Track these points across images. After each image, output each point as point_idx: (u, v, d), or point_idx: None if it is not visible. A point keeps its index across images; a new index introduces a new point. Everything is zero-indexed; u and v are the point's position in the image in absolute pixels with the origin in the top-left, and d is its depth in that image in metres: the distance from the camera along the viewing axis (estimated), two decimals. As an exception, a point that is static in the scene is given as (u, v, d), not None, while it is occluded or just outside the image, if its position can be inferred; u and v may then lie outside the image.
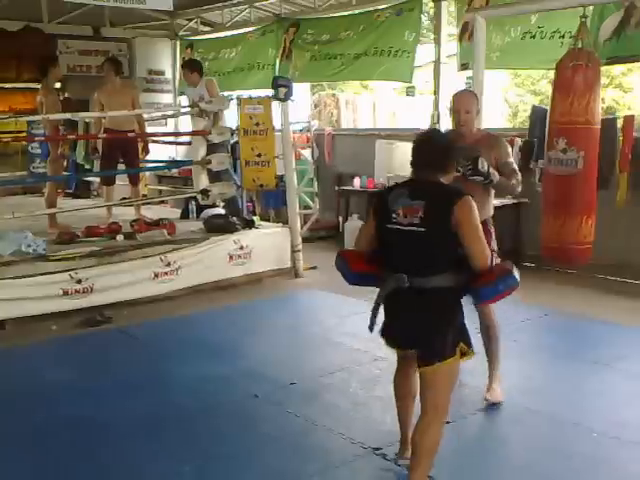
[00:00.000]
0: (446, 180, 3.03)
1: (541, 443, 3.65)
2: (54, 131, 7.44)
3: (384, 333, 3.11)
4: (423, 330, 2.96)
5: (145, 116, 8.77)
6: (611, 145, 6.07)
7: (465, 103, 3.97)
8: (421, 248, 2.92)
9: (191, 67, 8.08)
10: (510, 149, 4.12)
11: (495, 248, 3.93)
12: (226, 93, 8.11)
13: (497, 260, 3.55)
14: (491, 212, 4.07)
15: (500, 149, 3.98)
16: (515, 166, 3.99)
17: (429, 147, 3.04)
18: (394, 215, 2.95)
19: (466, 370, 4.48)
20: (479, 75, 6.41)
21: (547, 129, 5.28)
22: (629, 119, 6.51)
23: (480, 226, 2.94)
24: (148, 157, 8.73)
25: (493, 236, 3.99)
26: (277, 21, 10.12)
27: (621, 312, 5.80)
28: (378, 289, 3.05)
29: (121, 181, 8.25)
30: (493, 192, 4.04)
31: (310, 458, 3.53)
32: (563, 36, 6.80)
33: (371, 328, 3.05)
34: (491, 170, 3.72)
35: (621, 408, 4.03)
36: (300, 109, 9.55)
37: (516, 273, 2.97)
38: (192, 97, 7.84)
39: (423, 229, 2.88)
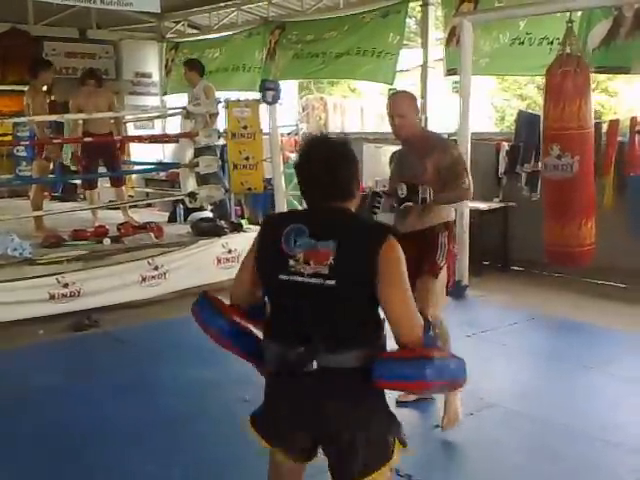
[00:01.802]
0: (352, 206, 2.13)
1: (530, 446, 3.67)
2: (42, 133, 7.40)
3: (261, 424, 2.21)
4: (339, 431, 2.06)
5: (130, 117, 8.75)
6: (596, 149, 6.12)
7: (398, 107, 3.73)
8: (330, 310, 2.03)
9: (190, 65, 8.01)
10: (457, 154, 3.81)
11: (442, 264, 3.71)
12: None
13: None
14: (451, 216, 3.87)
15: (444, 154, 3.68)
16: (464, 171, 3.72)
17: (335, 164, 2.07)
18: (291, 262, 2.04)
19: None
20: (466, 80, 6.45)
21: (540, 135, 5.34)
22: (613, 123, 6.57)
23: (407, 280, 2.04)
24: (134, 159, 8.69)
25: (444, 248, 3.72)
26: (264, 24, 10.11)
27: (609, 315, 5.82)
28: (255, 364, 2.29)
29: (107, 184, 8.21)
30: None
31: (300, 462, 3.51)
32: (552, 42, 6.77)
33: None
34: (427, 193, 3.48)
35: (610, 411, 4.05)
36: (288, 112, 9.55)
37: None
38: (189, 98, 7.81)
39: (333, 282, 1.99)
